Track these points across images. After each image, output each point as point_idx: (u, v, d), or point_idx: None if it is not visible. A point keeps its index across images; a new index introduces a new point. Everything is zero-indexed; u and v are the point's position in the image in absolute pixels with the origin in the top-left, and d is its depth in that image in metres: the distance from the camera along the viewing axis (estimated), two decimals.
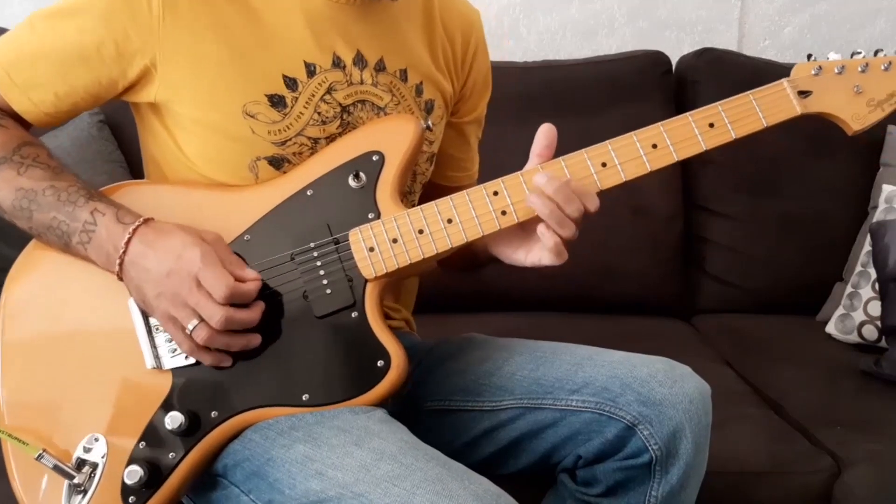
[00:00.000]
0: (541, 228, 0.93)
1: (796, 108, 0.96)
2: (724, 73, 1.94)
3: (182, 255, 0.89)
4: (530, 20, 2.13)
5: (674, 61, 2.02)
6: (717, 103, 0.96)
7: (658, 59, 1.97)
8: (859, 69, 0.97)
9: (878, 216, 1.78)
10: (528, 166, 0.97)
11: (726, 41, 2.15)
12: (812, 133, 1.91)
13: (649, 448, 0.95)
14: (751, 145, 1.90)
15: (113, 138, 1.70)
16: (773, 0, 2.18)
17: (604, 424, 0.97)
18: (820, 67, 0.97)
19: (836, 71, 0.97)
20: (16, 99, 0.98)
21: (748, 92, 0.97)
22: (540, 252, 0.96)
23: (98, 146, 1.66)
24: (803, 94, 0.97)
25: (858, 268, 1.79)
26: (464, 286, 1.76)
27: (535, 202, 0.92)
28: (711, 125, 0.96)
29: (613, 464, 0.98)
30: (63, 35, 0.96)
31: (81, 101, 0.99)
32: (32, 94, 0.97)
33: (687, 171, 1.96)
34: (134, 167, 1.68)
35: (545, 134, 0.96)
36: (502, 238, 1.00)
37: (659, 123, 0.96)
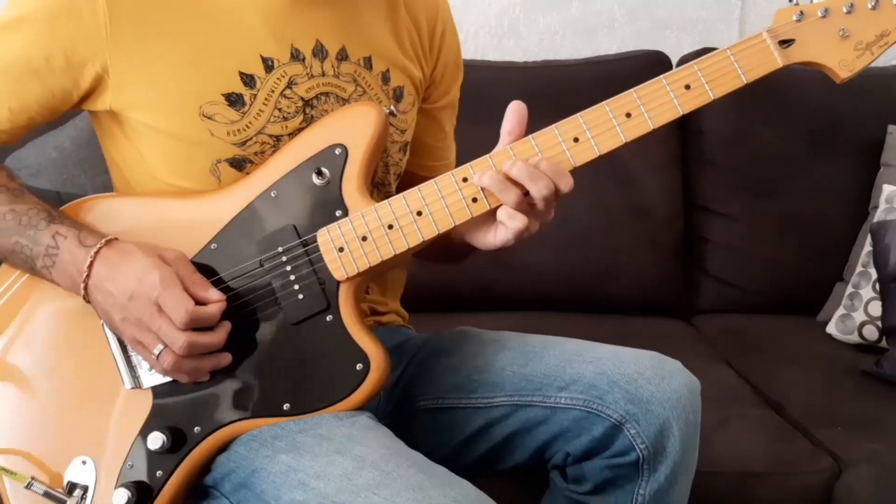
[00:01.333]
0: (501, 214, 0.90)
1: (777, 60, 0.90)
2: None
3: (142, 279, 0.87)
4: (530, 20, 2.13)
5: (674, 61, 2.01)
6: (693, 62, 0.91)
7: (658, 59, 1.97)
8: (844, 10, 0.90)
9: (878, 216, 1.77)
10: (498, 146, 0.92)
11: (726, 41, 2.11)
12: (812, 133, 1.92)
13: (636, 447, 0.95)
14: (751, 145, 1.92)
15: None
16: (773, 0, 2.17)
17: (592, 422, 0.97)
18: (802, 12, 0.90)
19: (820, 14, 0.90)
20: None
21: (725, 48, 0.92)
22: (505, 232, 0.91)
23: (98, 146, 1.66)
24: (785, 43, 0.91)
25: (859, 268, 1.79)
26: (464, 286, 1.76)
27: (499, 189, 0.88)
28: (688, 87, 0.90)
29: (601, 462, 0.98)
30: (10, 49, 0.93)
31: (37, 115, 0.97)
32: None
33: (687, 172, 1.95)
34: None
35: (515, 110, 0.92)
36: (472, 223, 0.94)
37: (632, 90, 0.91)
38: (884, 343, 1.66)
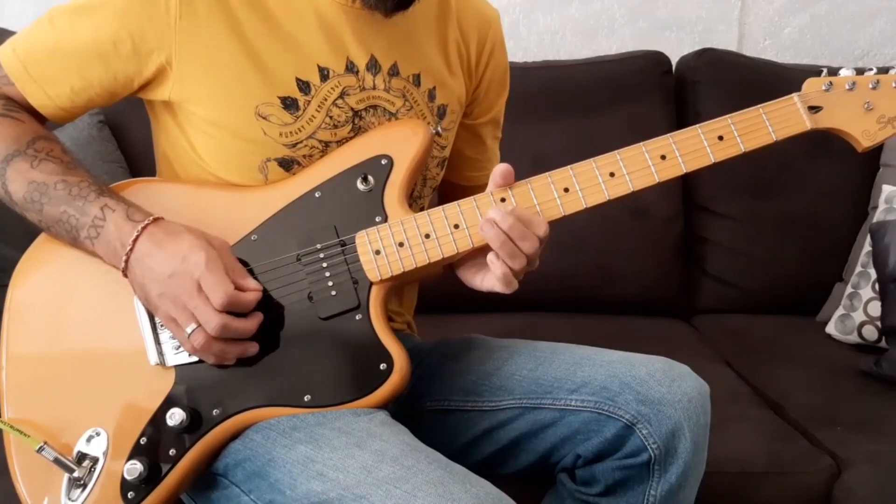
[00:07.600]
0: (490, 257, 0.93)
1: (806, 123, 0.97)
2: (724, 74, 1.95)
3: (187, 258, 0.89)
4: (530, 20, 2.13)
5: (674, 61, 2.02)
6: (727, 116, 0.96)
7: (658, 59, 1.97)
8: (870, 86, 0.97)
9: (878, 216, 1.78)
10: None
11: (726, 41, 2.15)
12: (812, 133, 1.92)
13: (648, 447, 0.95)
14: None
15: (113, 138, 1.70)
16: (773, 0, 2.18)
17: (603, 424, 0.97)
18: (831, 83, 0.97)
19: (847, 87, 0.97)
20: (32, 93, 0.99)
21: (758, 106, 0.97)
22: (492, 279, 0.95)
23: (98, 146, 1.66)
24: (813, 109, 0.97)
25: (858, 268, 1.79)
26: (464, 287, 1.76)
27: (488, 232, 0.92)
28: (721, 138, 0.96)
29: (612, 463, 0.98)
30: (81, 31, 0.96)
31: (97, 97, 1.00)
32: (49, 89, 0.98)
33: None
34: (134, 168, 1.68)
35: (500, 174, 0.95)
36: (466, 260, 0.99)
37: (669, 135, 0.96)
38: (883, 343, 1.67)
